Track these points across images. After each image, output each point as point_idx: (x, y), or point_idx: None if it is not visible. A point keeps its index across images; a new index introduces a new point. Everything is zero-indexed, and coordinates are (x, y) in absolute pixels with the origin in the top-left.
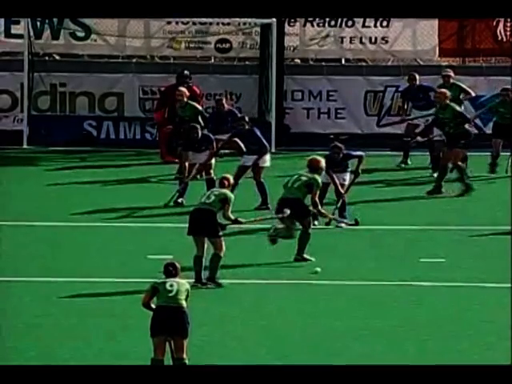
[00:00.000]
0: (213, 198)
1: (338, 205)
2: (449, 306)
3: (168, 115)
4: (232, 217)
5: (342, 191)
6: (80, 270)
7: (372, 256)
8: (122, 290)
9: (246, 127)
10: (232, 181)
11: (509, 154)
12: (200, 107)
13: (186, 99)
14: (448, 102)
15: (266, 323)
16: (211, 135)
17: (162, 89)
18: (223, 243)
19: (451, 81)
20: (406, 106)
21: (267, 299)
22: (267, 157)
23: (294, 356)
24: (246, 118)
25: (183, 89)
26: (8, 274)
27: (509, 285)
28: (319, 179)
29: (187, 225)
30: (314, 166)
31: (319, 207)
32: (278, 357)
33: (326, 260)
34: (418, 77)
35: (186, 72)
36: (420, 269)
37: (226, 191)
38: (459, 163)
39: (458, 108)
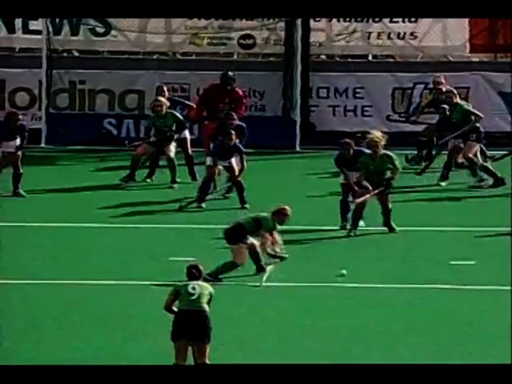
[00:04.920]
0: (251, 215)
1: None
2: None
3: (208, 113)
4: (270, 251)
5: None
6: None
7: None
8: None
9: (232, 142)
10: (289, 211)
11: None
12: (181, 116)
13: (165, 109)
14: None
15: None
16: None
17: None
18: (240, 252)
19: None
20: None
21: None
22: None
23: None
24: (233, 133)
25: (163, 99)
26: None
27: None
28: None
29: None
30: (371, 145)
31: None
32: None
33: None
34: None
35: (230, 73)
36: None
37: (266, 217)
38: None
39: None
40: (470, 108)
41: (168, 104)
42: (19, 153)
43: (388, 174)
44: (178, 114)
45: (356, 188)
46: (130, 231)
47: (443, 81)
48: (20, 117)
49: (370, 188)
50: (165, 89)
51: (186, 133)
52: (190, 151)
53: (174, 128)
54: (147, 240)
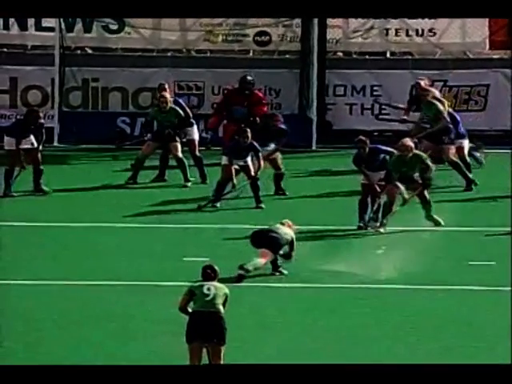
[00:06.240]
0: (286, 232)
1: (374, 207)
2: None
3: (227, 116)
4: None
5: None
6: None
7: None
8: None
9: (248, 141)
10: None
11: None
12: (183, 114)
13: (169, 105)
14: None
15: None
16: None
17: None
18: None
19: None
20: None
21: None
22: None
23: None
24: (249, 131)
25: (167, 94)
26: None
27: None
28: None
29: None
30: (400, 149)
31: None
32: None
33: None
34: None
35: (249, 77)
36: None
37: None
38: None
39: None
40: (442, 110)
41: (171, 99)
42: (40, 147)
43: (417, 174)
44: (180, 111)
45: (378, 189)
46: (135, 231)
47: (426, 81)
48: (40, 114)
49: (402, 189)
50: (166, 87)
51: (194, 134)
52: (197, 152)
53: (176, 124)
54: (151, 240)
